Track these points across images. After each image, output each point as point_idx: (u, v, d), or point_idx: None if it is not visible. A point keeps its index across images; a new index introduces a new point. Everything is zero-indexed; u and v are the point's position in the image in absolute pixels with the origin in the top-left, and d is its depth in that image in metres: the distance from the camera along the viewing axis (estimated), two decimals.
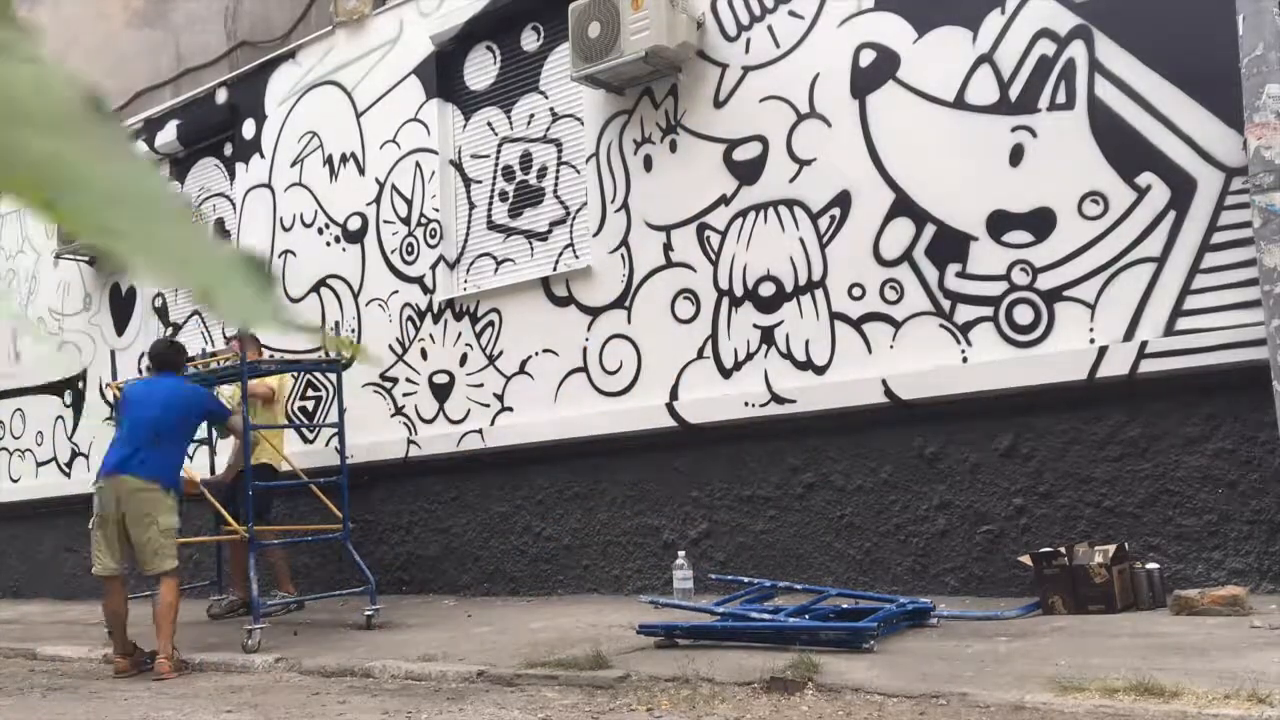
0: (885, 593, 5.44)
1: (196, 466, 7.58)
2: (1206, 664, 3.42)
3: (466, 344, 7.39)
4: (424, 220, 7.69)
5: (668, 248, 6.47)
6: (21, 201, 0.40)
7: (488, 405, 7.23)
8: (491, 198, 7.51)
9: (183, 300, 9.41)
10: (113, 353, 9.79)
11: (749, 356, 6.11)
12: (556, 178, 7.18)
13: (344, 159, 8.18)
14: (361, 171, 8.07)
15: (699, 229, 6.34)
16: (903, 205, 5.65)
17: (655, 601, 5.24)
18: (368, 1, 8.10)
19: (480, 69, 7.63)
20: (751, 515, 6.09)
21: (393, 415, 7.72)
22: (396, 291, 7.80)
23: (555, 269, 7.05)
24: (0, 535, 10.81)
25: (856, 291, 5.77)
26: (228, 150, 9.17)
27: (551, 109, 7.23)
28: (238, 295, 0.43)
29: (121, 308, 9.75)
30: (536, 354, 7.02)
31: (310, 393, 8.31)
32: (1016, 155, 5.33)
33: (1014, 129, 5.34)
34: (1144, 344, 4.93)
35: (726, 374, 6.19)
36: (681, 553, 5.46)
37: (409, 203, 7.78)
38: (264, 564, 6.73)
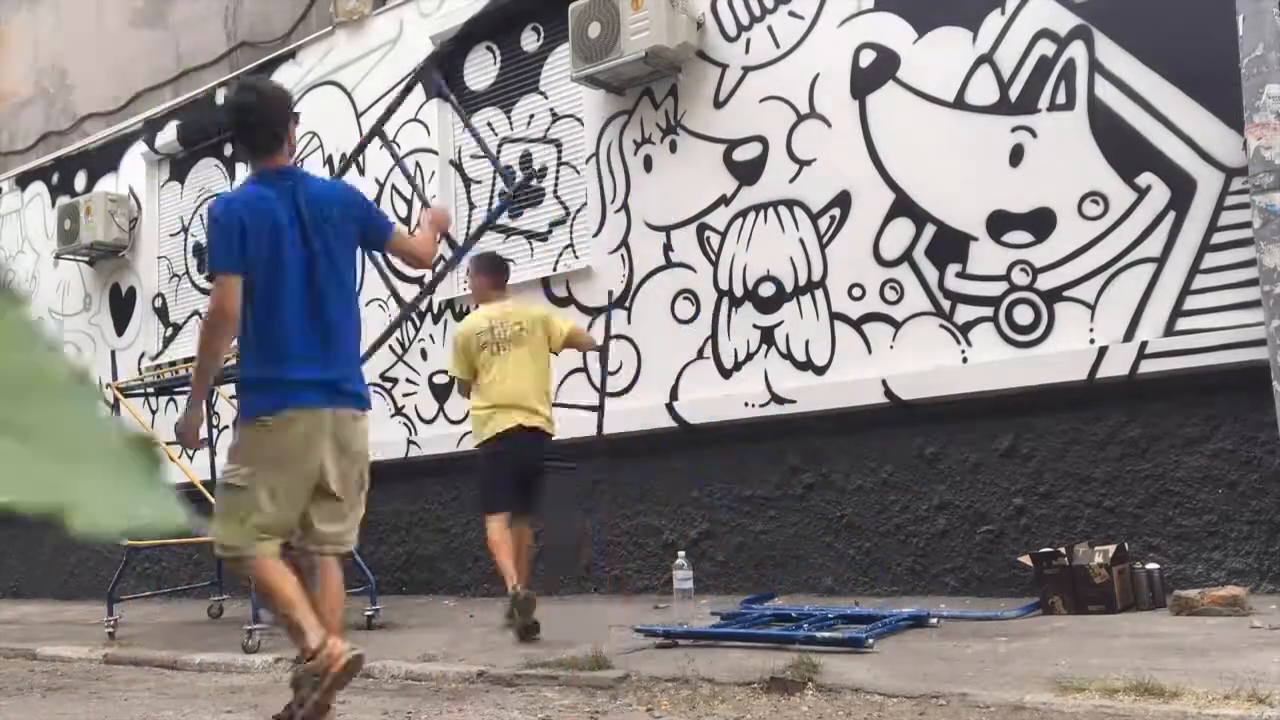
0: (885, 593, 5.45)
1: (197, 469, 7.59)
2: (1206, 664, 3.41)
3: None
4: None
5: (668, 248, 6.47)
6: None
7: None
8: (491, 198, 7.51)
9: (183, 300, 9.41)
10: (113, 353, 9.79)
11: (749, 357, 6.11)
12: (556, 178, 7.18)
13: (344, 159, 8.18)
14: (361, 172, 8.07)
15: (699, 229, 6.34)
16: (903, 205, 5.65)
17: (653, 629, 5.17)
18: (368, 1, 8.10)
19: (480, 69, 7.63)
20: (751, 515, 6.08)
21: (393, 415, 7.71)
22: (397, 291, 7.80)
23: (555, 269, 7.05)
24: (0, 535, 10.81)
25: (856, 291, 5.77)
26: (228, 150, 9.16)
27: (551, 109, 7.23)
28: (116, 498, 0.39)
29: (121, 308, 9.75)
30: None
31: None
32: (1016, 155, 5.33)
33: (1014, 129, 5.34)
34: (1144, 344, 4.93)
35: (726, 374, 6.18)
36: (681, 553, 5.46)
37: (409, 203, 7.78)
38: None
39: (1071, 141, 5.19)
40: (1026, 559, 4.90)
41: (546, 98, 7.27)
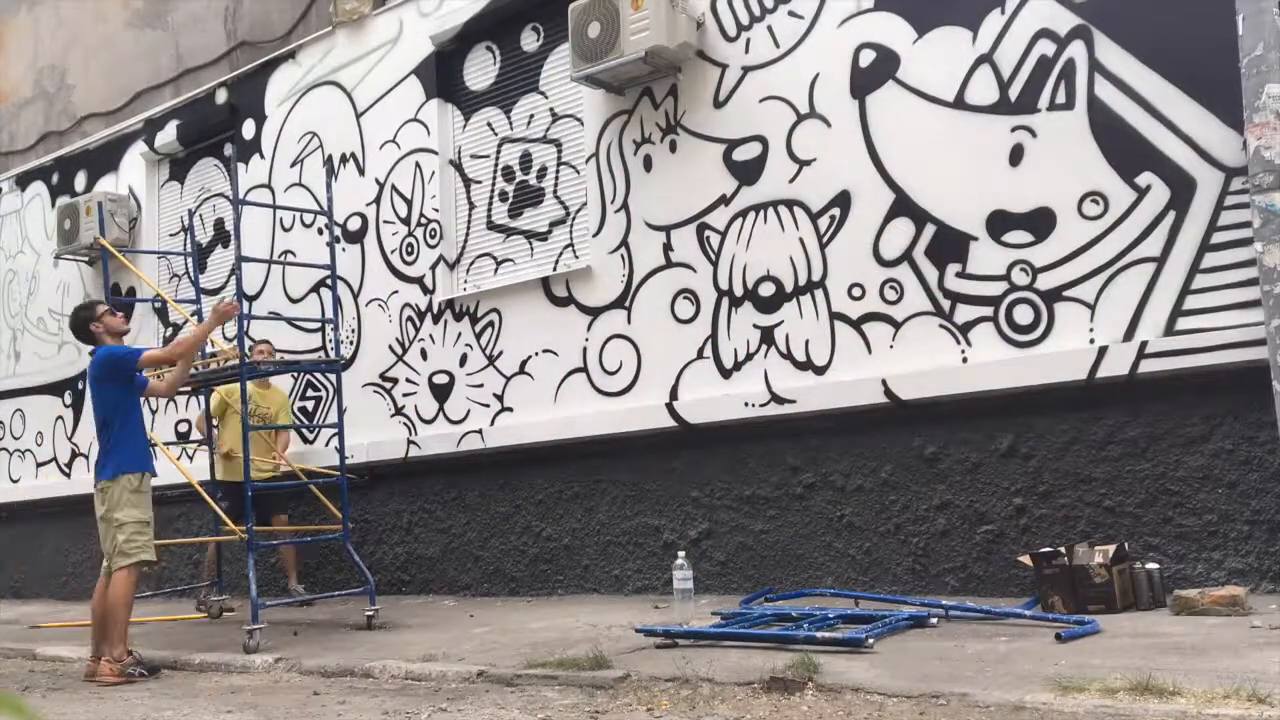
0: (886, 593, 5.44)
1: (196, 469, 7.60)
2: (1206, 664, 3.42)
3: (466, 344, 7.39)
4: (424, 220, 7.69)
5: (668, 248, 6.47)
6: None
7: (488, 405, 7.23)
8: (491, 198, 7.51)
9: (182, 298, 9.40)
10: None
11: (749, 356, 6.11)
12: (556, 178, 7.18)
13: (344, 159, 8.18)
14: (361, 172, 8.07)
15: (699, 229, 6.34)
16: (903, 205, 5.65)
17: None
18: (367, 1, 8.10)
19: (480, 69, 7.63)
20: (751, 515, 6.09)
21: (393, 415, 7.71)
22: (396, 291, 7.80)
23: (555, 269, 7.05)
24: (0, 535, 10.81)
25: (856, 291, 5.77)
26: (227, 150, 9.17)
27: (551, 109, 7.23)
28: None
29: (121, 308, 9.73)
30: (536, 354, 7.02)
31: (310, 393, 8.31)
32: (1016, 155, 5.33)
33: (1014, 129, 5.34)
34: (1144, 344, 4.93)
35: (726, 374, 6.18)
36: (681, 553, 5.46)
37: (409, 203, 7.78)
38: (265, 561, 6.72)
39: (1071, 141, 5.18)
40: (1026, 559, 4.90)
41: (546, 98, 7.27)
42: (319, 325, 8.06)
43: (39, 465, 10.52)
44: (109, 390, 5.48)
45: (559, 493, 6.90)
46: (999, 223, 5.36)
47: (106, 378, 5.50)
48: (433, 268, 7.60)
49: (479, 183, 7.59)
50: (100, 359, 5.56)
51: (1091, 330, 5.10)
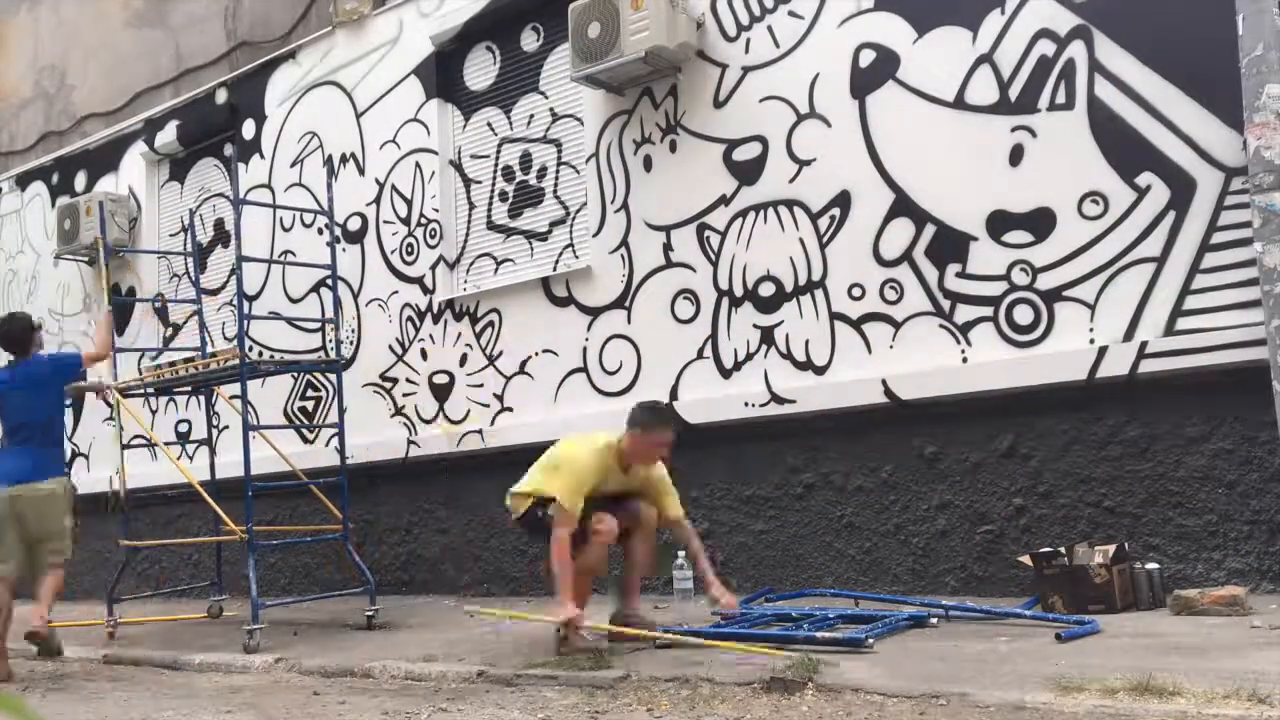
0: (886, 593, 5.44)
1: (196, 470, 7.59)
2: (1206, 664, 3.42)
3: (466, 344, 7.39)
4: (424, 220, 7.69)
5: (668, 248, 6.47)
6: None
7: (488, 405, 7.23)
8: (491, 198, 7.51)
9: (182, 298, 9.40)
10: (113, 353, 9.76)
11: (749, 356, 6.11)
12: (556, 178, 7.18)
13: (344, 159, 8.18)
14: (361, 172, 8.07)
15: (699, 229, 6.34)
16: (903, 205, 5.65)
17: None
18: (368, 2, 8.10)
19: (480, 69, 7.63)
20: (751, 515, 6.08)
21: (393, 415, 7.71)
22: (396, 292, 7.80)
23: (555, 269, 7.05)
24: None
25: (856, 291, 5.77)
26: (227, 150, 9.16)
27: (551, 109, 7.23)
28: None
29: (121, 308, 9.74)
30: (536, 354, 7.02)
31: (310, 393, 8.30)
32: (1016, 155, 5.33)
33: (1014, 129, 5.34)
34: (1144, 344, 4.93)
35: (726, 374, 6.18)
36: (681, 552, 5.46)
37: (409, 203, 7.78)
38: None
39: (1071, 141, 5.18)
40: (1026, 559, 4.90)
41: (546, 98, 7.27)
42: (319, 325, 8.06)
43: None
44: (55, 393, 6.03)
45: None
46: (999, 223, 5.36)
47: (58, 382, 6.08)
48: (433, 268, 7.60)
49: (479, 183, 7.59)
50: (61, 363, 6.31)
51: (1091, 330, 5.10)
